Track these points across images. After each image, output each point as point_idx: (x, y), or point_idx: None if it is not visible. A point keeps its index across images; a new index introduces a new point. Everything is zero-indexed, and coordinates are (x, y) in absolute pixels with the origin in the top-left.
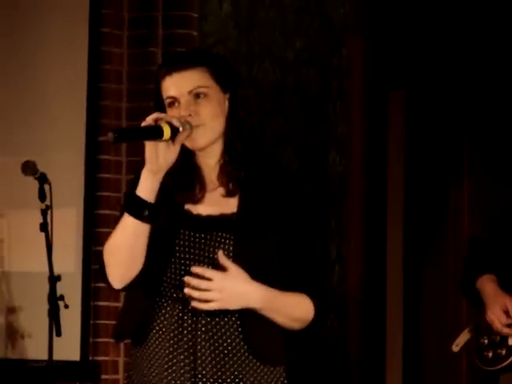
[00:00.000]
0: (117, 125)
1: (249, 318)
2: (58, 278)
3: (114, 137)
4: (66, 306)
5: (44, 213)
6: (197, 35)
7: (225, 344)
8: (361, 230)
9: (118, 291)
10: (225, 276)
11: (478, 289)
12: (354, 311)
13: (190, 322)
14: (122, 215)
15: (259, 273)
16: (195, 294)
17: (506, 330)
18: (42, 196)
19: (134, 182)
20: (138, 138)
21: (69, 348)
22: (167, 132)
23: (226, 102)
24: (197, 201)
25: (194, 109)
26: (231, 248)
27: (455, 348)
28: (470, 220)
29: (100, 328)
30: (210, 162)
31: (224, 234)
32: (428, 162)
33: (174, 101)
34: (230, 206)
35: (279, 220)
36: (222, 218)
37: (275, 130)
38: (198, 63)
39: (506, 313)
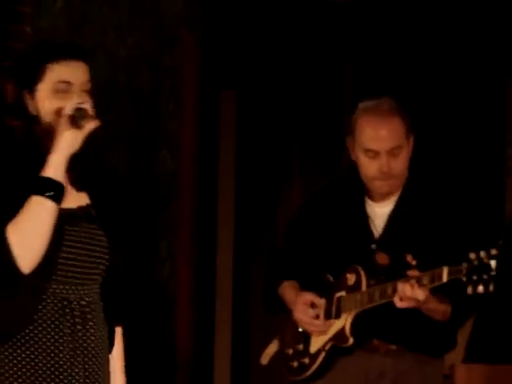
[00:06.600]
0: None
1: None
2: None
3: None
4: None
5: None
6: (30, 31)
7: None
8: (191, 228)
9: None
10: None
11: (280, 295)
12: (183, 309)
13: (79, 320)
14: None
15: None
16: None
17: (316, 322)
18: None
19: None
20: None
21: None
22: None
23: None
24: None
25: (88, 99)
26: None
27: (264, 360)
28: None
29: None
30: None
31: (91, 225)
32: (259, 161)
33: (68, 86)
34: (82, 198)
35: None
36: (82, 211)
37: (107, 127)
38: (87, 57)
39: (312, 306)
